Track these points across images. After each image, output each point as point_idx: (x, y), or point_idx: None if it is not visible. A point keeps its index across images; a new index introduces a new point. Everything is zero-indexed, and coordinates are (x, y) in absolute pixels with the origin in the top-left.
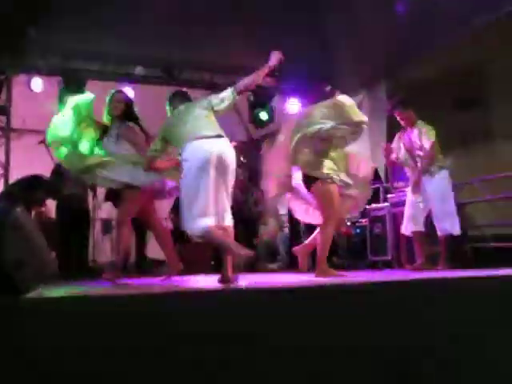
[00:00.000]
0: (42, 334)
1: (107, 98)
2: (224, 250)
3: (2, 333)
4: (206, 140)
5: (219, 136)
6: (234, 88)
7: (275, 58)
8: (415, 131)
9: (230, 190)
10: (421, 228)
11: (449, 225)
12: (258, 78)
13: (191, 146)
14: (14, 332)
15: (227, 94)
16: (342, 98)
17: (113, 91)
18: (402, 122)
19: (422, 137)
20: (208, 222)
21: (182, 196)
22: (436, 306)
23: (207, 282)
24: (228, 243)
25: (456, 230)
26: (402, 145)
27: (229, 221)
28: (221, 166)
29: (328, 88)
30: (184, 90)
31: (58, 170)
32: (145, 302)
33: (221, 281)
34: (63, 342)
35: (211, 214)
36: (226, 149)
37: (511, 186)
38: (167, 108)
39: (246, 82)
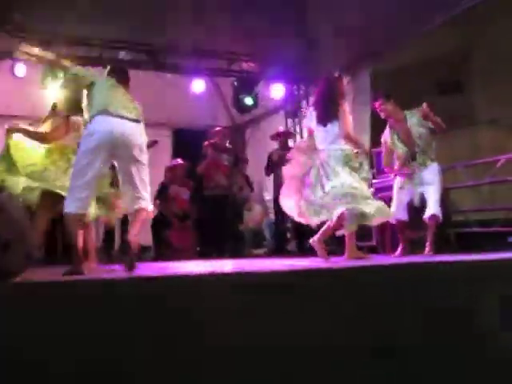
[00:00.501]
0: (29, 319)
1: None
2: (71, 242)
3: None
4: (117, 119)
5: (136, 120)
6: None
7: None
8: (410, 121)
9: (144, 176)
10: (405, 217)
11: (438, 211)
12: None
13: (101, 120)
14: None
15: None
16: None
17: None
18: (382, 114)
19: (423, 122)
20: (73, 207)
21: (73, 169)
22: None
23: (192, 267)
24: (75, 240)
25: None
26: (395, 136)
27: (146, 204)
28: (126, 149)
29: (336, 74)
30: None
31: None
32: (130, 286)
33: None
34: (49, 328)
35: (82, 200)
36: (135, 133)
37: (494, 170)
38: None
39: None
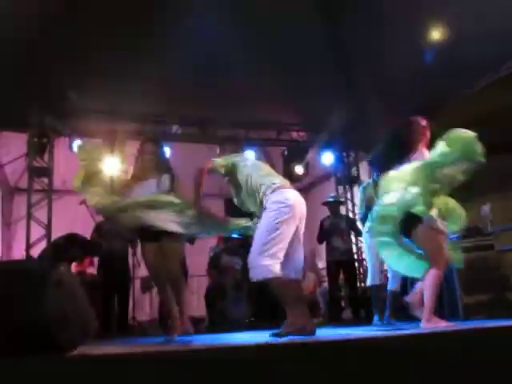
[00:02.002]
0: None
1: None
2: (285, 304)
3: None
4: (296, 192)
5: None
6: None
7: None
8: None
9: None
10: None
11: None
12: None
13: (288, 193)
14: None
15: None
16: None
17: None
18: None
19: None
20: (277, 268)
21: (260, 232)
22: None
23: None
24: (292, 301)
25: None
26: None
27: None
28: (302, 218)
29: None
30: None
31: (98, 229)
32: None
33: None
34: None
35: (279, 263)
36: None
37: None
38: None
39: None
